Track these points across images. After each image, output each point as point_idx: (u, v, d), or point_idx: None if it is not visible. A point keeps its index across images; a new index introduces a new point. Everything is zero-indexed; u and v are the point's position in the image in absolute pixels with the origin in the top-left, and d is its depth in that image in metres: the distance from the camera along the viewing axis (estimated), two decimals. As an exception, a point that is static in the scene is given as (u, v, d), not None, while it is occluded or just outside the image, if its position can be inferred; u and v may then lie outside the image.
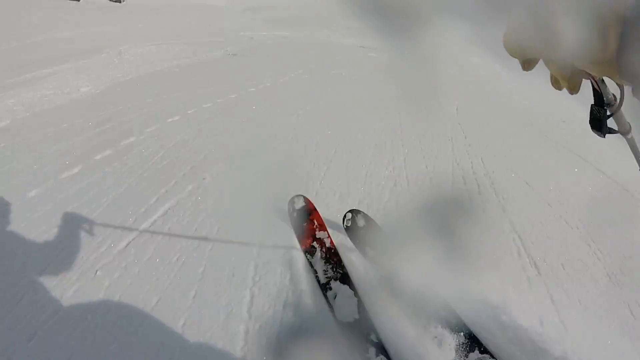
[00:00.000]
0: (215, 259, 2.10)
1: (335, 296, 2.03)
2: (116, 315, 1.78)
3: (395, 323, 1.89)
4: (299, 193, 2.32)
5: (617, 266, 2.22)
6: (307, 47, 8.18)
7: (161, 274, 2.00)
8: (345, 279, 2.04)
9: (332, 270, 2.09)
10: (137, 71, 5.35)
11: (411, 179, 2.98)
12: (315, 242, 2.17)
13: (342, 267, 2.08)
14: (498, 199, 2.80)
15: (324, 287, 2.07)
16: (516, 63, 0.52)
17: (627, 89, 0.44)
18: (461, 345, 1.72)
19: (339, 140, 3.57)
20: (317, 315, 2.16)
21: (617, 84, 0.51)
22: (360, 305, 1.95)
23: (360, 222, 2.21)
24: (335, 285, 2.04)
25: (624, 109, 0.56)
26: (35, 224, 2.27)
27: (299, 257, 2.17)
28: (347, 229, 2.21)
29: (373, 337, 1.84)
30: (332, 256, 2.11)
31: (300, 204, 2.25)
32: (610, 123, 0.59)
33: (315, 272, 2.13)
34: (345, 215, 2.23)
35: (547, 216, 2.66)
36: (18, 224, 2.28)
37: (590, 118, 0.59)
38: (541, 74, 0.56)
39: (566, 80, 0.51)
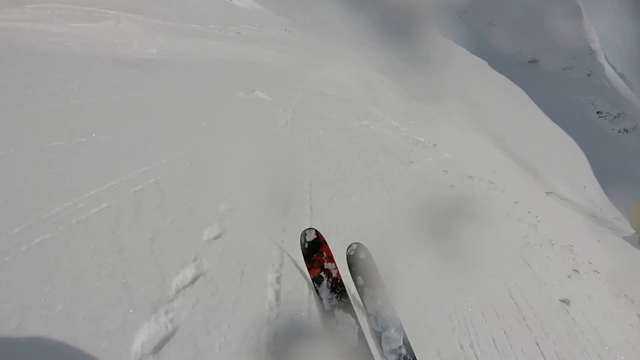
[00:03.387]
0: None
1: (338, 323, 2.22)
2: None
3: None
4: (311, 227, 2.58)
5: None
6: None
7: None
8: (347, 307, 2.24)
9: (337, 299, 2.29)
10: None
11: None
12: (322, 272, 2.39)
13: (346, 296, 2.28)
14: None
15: (328, 314, 2.27)
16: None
17: None
18: None
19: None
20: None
21: None
22: (360, 333, 2.13)
23: (361, 255, 2.44)
24: (338, 313, 2.24)
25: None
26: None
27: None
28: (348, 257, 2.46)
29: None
30: (338, 286, 2.32)
31: (311, 236, 2.50)
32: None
33: (321, 299, 2.34)
34: (350, 246, 2.47)
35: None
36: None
37: None
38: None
39: None
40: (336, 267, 2.38)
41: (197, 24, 14.59)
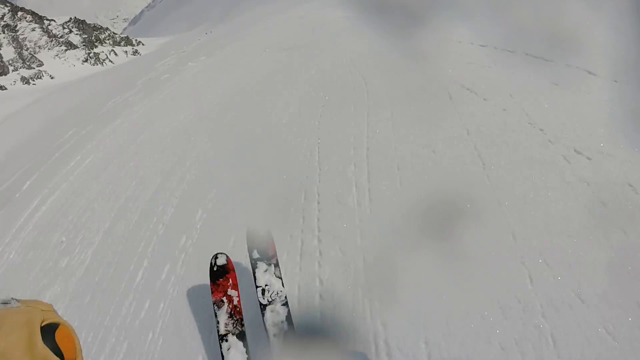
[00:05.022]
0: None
1: (229, 348, 2.39)
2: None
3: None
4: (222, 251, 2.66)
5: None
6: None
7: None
8: (242, 336, 2.40)
9: (233, 325, 2.44)
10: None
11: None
12: (225, 298, 2.51)
13: (242, 325, 2.44)
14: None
15: (221, 338, 2.42)
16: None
17: None
18: None
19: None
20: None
21: None
22: (248, 362, 2.33)
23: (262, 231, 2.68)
24: (231, 339, 2.40)
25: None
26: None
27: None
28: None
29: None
30: (236, 314, 2.47)
31: (222, 261, 2.59)
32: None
33: (218, 322, 2.47)
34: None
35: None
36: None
37: None
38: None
39: None
40: (238, 296, 2.52)
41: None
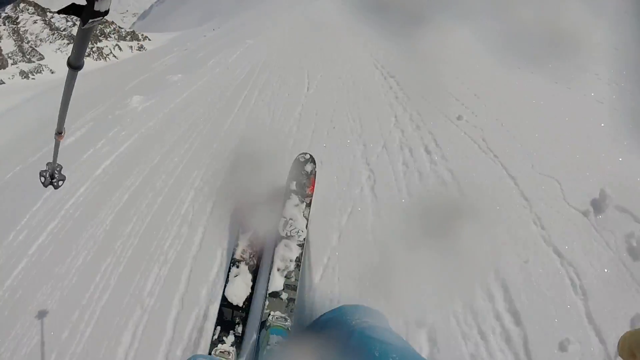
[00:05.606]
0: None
1: (237, 275, 2.18)
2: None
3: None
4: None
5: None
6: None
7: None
8: (254, 270, 2.20)
9: (250, 256, 2.24)
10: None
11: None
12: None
13: (259, 259, 2.24)
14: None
15: (233, 262, 2.21)
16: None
17: None
18: None
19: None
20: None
21: None
22: (249, 298, 2.11)
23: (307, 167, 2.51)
24: (242, 268, 2.19)
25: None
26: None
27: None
28: None
29: (238, 326, 2.01)
30: (258, 244, 2.27)
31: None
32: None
33: (237, 245, 2.27)
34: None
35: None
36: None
37: None
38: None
39: None
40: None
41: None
